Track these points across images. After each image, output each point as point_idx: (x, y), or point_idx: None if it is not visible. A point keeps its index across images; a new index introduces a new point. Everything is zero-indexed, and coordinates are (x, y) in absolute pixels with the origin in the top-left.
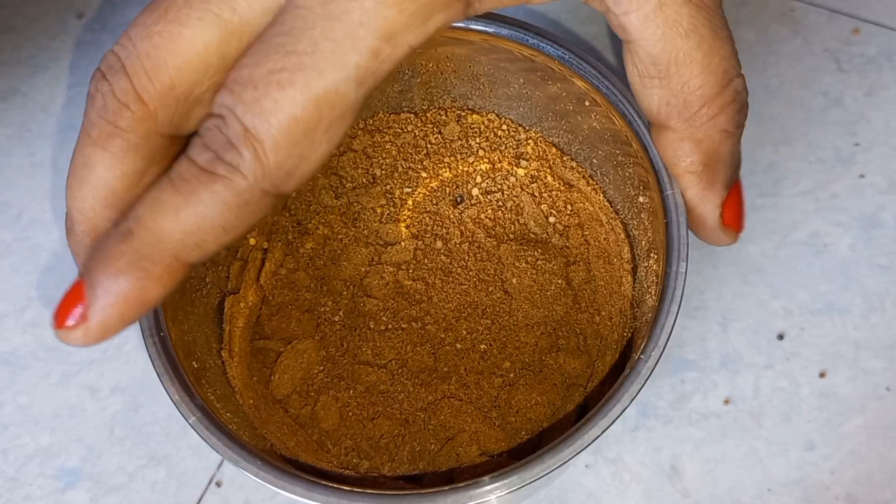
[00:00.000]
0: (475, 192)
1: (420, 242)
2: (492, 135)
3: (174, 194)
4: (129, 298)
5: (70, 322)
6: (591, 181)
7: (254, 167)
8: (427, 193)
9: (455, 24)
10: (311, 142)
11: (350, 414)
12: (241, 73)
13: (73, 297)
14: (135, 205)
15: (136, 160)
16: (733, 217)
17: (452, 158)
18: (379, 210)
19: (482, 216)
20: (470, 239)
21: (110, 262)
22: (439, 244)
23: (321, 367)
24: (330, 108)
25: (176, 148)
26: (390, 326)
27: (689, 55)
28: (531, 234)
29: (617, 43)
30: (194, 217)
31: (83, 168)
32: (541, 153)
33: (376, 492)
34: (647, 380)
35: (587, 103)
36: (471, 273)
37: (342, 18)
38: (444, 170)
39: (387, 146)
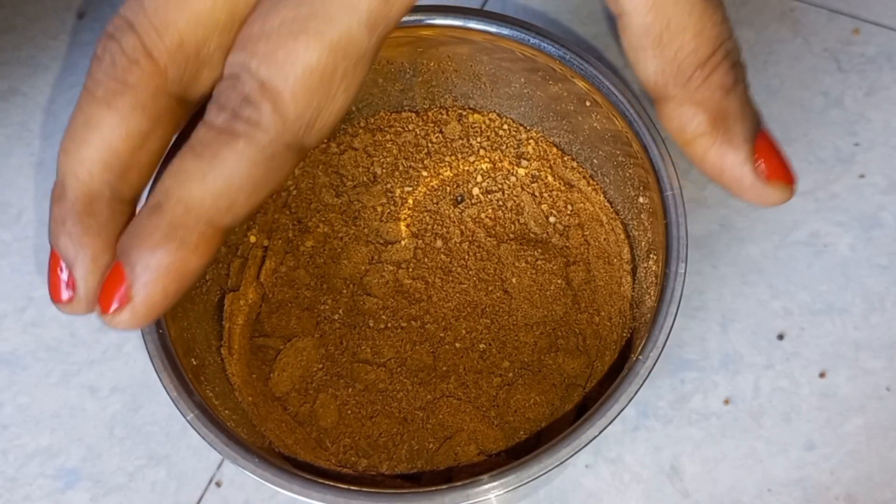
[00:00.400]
0: (476, 191)
1: (420, 241)
2: (493, 134)
3: (197, 160)
4: (170, 271)
5: (115, 305)
6: (591, 181)
7: (274, 120)
8: (427, 192)
9: (456, 24)
10: (329, 91)
11: (349, 412)
12: (252, 29)
13: (114, 279)
14: (161, 178)
15: (143, 120)
16: (774, 168)
17: (453, 157)
18: (379, 209)
19: (482, 215)
20: (470, 238)
21: (145, 238)
22: (439, 243)
23: (320, 365)
24: (344, 56)
25: (183, 113)
26: (390, 325)
27: (681, 22)
28: (531, 234)
29: (618, 43)
30: (222, 179)
31: (84, 128)
32: (541, 153)
33: (374, 490)
34: (645, 380)
35: (588, 104)
36: (470, 272)
37: None
38: (444, 169)
39: (388, 145)
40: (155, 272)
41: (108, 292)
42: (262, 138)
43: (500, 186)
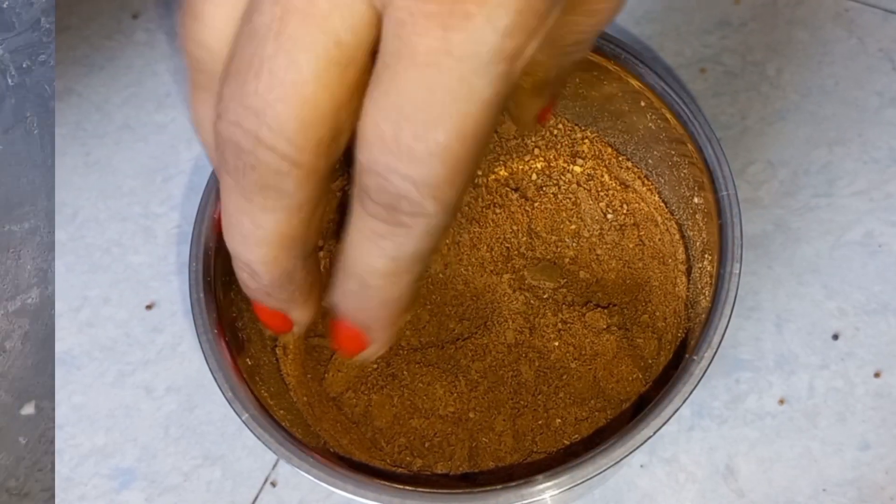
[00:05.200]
0: (531, 188)
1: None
2: (547, 133)
3: (377, 246)
4: (394, 313)
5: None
6: (646, 181)
7: (437, 209)
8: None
9: None
10: (476, 155)
11: (404, 412)
12: (378, 129)
13: (351, 337)
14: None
15: (308, 208)
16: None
17: (508, 157)
18: None
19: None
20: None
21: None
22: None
23: (375, 365)
24: (487, 121)
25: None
26: (444, 323)
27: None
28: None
29: (673, 43)
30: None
31: (256, 229)
32: (597, 153)
33: (428, 490)
34: (699, 380)
35: (642, 103)
36: (524, 259)
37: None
38: (499, 168)
39: None
40: (387, 325)
41: (348, 347)
42: (432, 222)
43: (555, 182)
